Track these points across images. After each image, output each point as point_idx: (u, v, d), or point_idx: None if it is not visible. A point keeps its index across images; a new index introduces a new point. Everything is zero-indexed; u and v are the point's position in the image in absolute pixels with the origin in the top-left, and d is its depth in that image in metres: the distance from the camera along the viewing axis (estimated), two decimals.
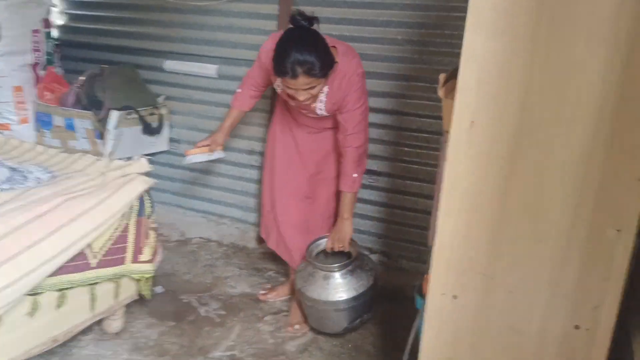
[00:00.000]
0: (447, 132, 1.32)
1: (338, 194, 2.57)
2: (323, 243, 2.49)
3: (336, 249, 2.44)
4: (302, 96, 2.13)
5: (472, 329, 1.39)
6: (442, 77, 1.52)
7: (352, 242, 2.45)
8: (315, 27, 2.13)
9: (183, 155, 3.24)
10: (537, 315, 1.31)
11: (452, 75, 1.39)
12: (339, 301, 2.31)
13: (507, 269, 1.31)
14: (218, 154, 2.55)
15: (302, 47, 2.03)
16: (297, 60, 2.02)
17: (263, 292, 2.73)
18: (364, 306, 2.38)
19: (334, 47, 2.18)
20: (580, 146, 1.19)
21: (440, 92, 1.47)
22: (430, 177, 2.69)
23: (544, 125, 1.20)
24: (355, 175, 2.36)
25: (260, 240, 3.16)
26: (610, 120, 1.16)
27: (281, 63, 2.05)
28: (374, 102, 2.68)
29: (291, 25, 2.13)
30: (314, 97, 2.18)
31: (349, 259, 2.40)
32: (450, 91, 1.35)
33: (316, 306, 2.37)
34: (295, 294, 2.62)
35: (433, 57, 2.67)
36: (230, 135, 2.61)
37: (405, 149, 2.83)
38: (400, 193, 2.89)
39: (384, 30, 2.74)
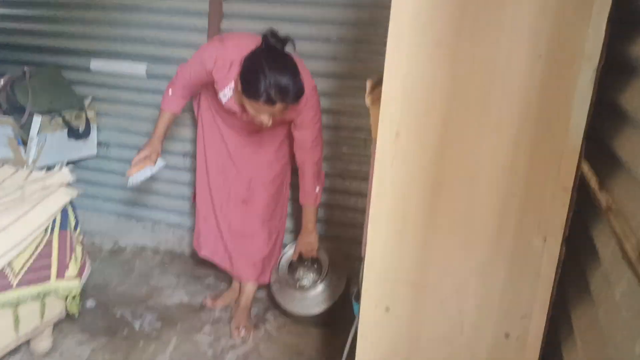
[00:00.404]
0: (375, 140, 1.29)
1: (275, 197, 2.53)
2: (289, 253, 2.56)
3: (306, 257, 2.52)
4: (267, 119, 2.02)
5: (405, 340, 1.36)
6: (369, 84, 1.47)
7: (319, 247, 2.52)
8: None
9: (113, 159, 3.15)
10: (467, 324, 1.30)
11: (380, 83, 1.35)
12: (321, 311, 2.41)
13: (437, 279, 1.29)
14: (160, 163, 2.36)
15: (285, 74, 1.91)
16: (279, 87, 1.90)
17: (209, 299, 2.63)
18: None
19: None
20: (504, 155, 1.18)
21: (367, 100, 1.43)
22: (369, 176, 2.67)
23: (468, 134, 1.18)
24: (317, 188, 2.36)
25: None
26: (534, 127, 1.15)
27: (257, 86, 1.90)
28: None
29: (263, 45, 1.98)
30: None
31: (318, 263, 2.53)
32: (377, 99, 1.32)
33: (300, 317, 2.48)
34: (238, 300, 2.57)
35: (368, 56, 2.65)
36: None
37: (344, 148, 2.80)
38: (340, 193, 2.86)
39: (318, 28, 2.70)
